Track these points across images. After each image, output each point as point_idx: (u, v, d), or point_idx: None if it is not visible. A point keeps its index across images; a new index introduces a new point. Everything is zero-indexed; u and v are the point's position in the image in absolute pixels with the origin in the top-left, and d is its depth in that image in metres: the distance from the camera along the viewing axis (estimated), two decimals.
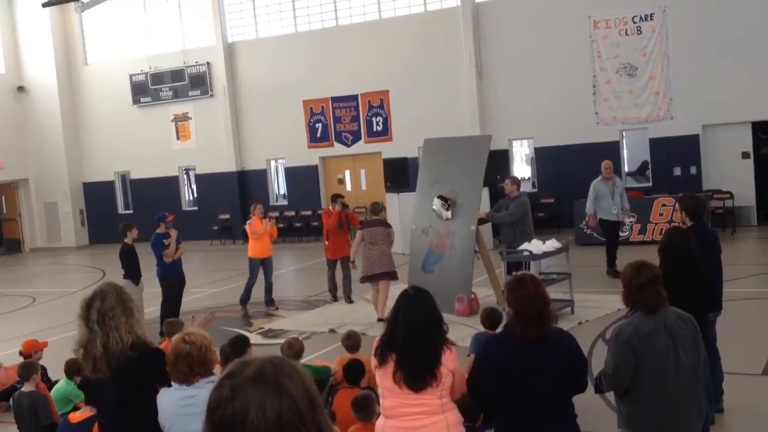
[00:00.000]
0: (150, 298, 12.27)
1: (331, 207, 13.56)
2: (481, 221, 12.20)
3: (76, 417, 6.43)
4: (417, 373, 4.52)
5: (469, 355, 6.39)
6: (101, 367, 4.51)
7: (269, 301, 13.40)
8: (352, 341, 7.52)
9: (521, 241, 11.35)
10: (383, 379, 4.63)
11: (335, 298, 13.42)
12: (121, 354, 4.48)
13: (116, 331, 4.50)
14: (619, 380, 4.71)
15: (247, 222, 13.64)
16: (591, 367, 5.04)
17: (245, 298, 13.34)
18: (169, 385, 4.46)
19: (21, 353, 8.66)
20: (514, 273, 10.40)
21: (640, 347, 4.58)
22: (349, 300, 13.16)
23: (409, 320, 4.60)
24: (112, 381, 4.53)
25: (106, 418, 4.79)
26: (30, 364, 7.62)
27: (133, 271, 11.76)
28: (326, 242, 13.49)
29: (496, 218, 12.10)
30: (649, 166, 19.74)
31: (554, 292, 10.89)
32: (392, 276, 11.71)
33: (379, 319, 11.15)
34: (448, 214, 12.02)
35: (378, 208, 12.31)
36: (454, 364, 4.65)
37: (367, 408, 5.39)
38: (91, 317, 4.52)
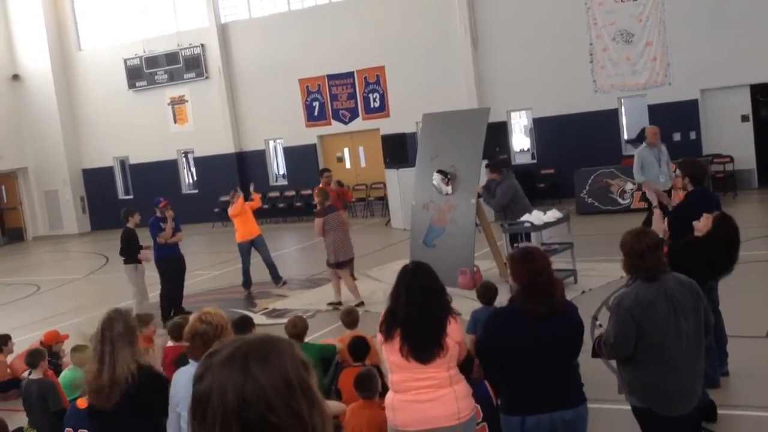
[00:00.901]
0: (152, 282, 12.30)
1: (322, 183, 13.34)
2: (479, 196, 12.16)
3: (83, 403, 6.45)
4: (423, 345, 4.54)
5: (468, 332, 6.41)
6: (110, 396, 4.50)
7: (276, 277, 13.34)
8: (351, 317, 7.53)
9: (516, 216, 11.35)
10: (390, 354, 4.64)
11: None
12: (126, 381, 4.48)
13: (122, 360, 4.50)
14: (621, 349, 4.73)
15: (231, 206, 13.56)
16: (592, 335, 5.04)
17: (246, 282, 13.33)
18: (166, 415, 4.53)
19: (41, 343, 8.71)
20: (516, 245, 10.43)
21: (641, 316, 4.59)
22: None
23: (411, 294, 4.61)
24: (120, 409, 4.52)
25: None
26: (37, 351, 7.65)
27: (133, 256, 11.81)
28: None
29: (487, 203, 11.95)
30: None
31: (557, 262, 10.90)
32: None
33: (360, 303, 11.12)
34: (449, 188, 11.99)
35: (321, 193, 11.92)
36: (459, 335, 4.67)
37: (370, 387, 5.41)
38: (105, 349, 4.52)
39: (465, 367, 5.03)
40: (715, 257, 5.66)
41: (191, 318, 4.58)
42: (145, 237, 12.27)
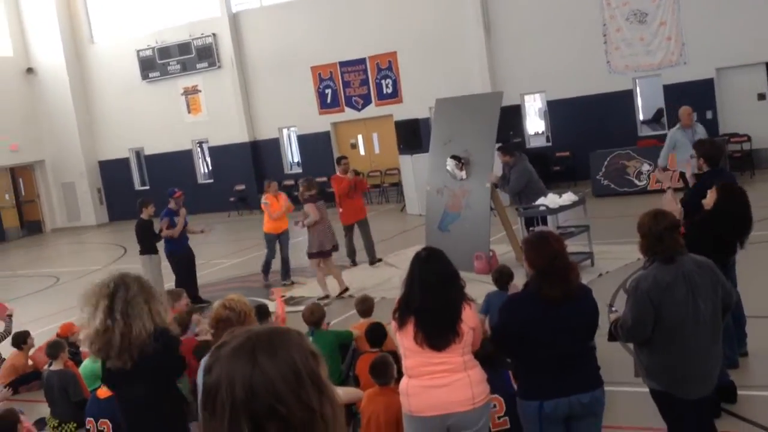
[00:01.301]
0: (168, 272, 12.37)
1: (339, 172, 13.36)
2: (495, 186, 12.09)
3: (104, 393, 6.52)
4: (438, 332, 4.54)
5: (481, 314, 6.41)
6: (122, 356, 4.42)
7: (286, 275, 13.25)
8: (365, 305, 7.53)
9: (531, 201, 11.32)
10: (404, 340, 4.65)
11: (354, 263, 13.44)
12: (144, 344, 4.40)
13: (139, 318, 4.40)
14: (639, 332, 4.71)
15: (263, 201, 13.39)
16: (608, 318, 5.03)
17: (267, 269, 13.32)
18: (181, 372, 4.49)
19: (58, 335, 8.79)
20: (531, 229, 10.40)
21: (659, 298, 4.57)
22: (374, 261, 13.14)
23: (425, 280, 4.61)
24: (137, 372, 4.46)
25: (133, 409, 4.70)
26: (57, 342, 7.73)
27: (149, 246, 11.87)
28: (339, 209, 13.38)
29: (503, 189, 11.91)
30: (664, 113, 19.52)
31: (573, 245, 10.87)
32: (336, 249, 11.84)
33: (345, 289, 11.25)
34: (463, 174, 11.97)
35: (312, 183, 11.90)
36: (474, 320, 4.67)
37: (385, 373, 5.42)
38: (116, 307, 4.41)
39: (487, 362, 5.02)
40: (725, 230, 5.54)
41: (215, 305, 4.59)
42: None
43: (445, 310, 4.56)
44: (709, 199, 6.17)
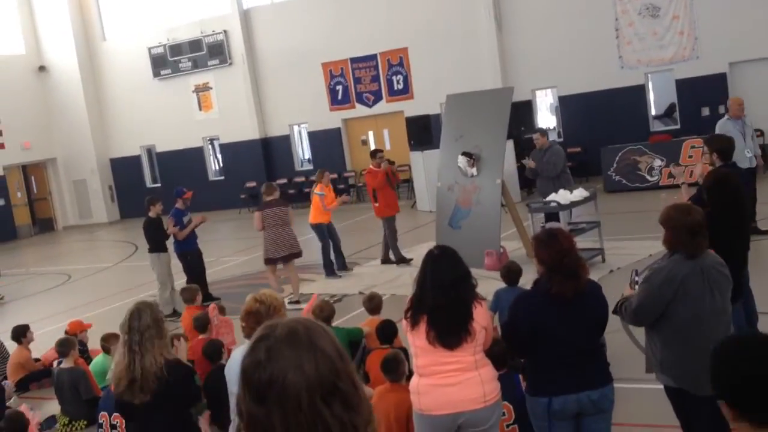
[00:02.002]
0: (177, 270, 12.35)
1: (372, 165, 12.91)
2: (532, 172, 12.17)
3: None
4: (450, 331, 4.52)
5: (490, 311, 6.38)
6: (142, 390, 4.54)
7: (342, 265, 12.86)
8: (373, 303, 7.52)
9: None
10: (416, 339, 4.62)
11: (400, 260, 12.74)
12: (156, 377, 4.52)
13: (150, 353, 4.54)
14: (640, 320, 4.74)
15: (317, 192, 12.84)
16: (629, 287, 4.99)
17: (329, 262, 12.67)
18: (199, 401, 4.55)
19: (66, 332, 8.83)
20: (543, 225, 10.36)
21: (672, 293, 4.51)
22: (402, 260, 12.67)
23: (437, 279, 4.58)
24: (155, 404, 4.56)
25: None
26: (67, 340, 7.75)
27: (159, 244, 11.86)
28: (375, 203, 12.82)
29: (544, 171, 11.95)
30: (677, 108, 19.39)
31: (584, 242, 10.83)
32: (299, 255, 11.59)
33: (296, 301, 10.94)
34: (474, 170, 11.94)
35: (272, 187, 11.68)
36: (486, 319, 4.64)
37: (396, 369, 5.41)
38: (133, 338, 4.56)
39: (498, 361, 5.01)
40: (722, 221, 5.34)
41: (247, 298, 4.65)
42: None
43: (457, 309, 4.54)
44: (684, 192, 6.11)
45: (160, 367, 4.54)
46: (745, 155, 11.16)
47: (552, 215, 11.07)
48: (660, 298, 4.54)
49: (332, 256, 12.72)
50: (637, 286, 4.89)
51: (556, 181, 11.81)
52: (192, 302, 8.70)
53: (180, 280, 12.20)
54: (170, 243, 12.10)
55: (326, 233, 12.72)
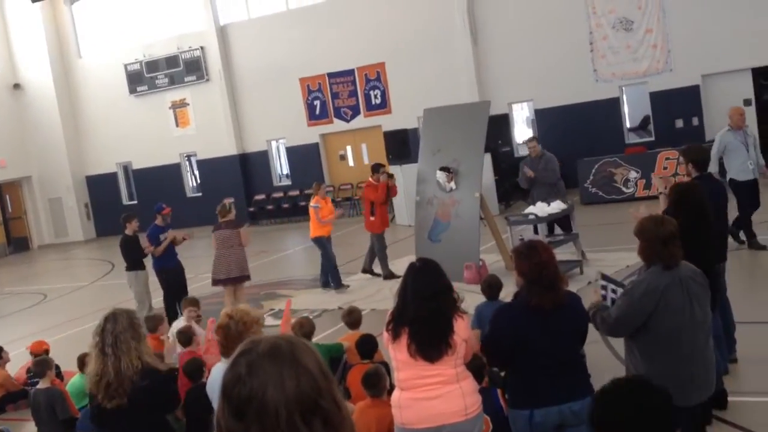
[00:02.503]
0: (155, 288, 12.22)
1: (372, 179, 12.79)
2: (528, 181, 12.12)
3: None
4: (431, 343, 4.52)
5: (472, 327, 6.38)
6: (116, 393, 4.48)
7: (327, 281, 12.74)
8: (352, 317, 7.49)
9: (558, 198, 11.56)
10: (397, 352, 4.62)
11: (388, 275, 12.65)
12: (131, 381, 4.46)
13: (127, 355, 4.48)
14: (616, 332, 4.78)
15: (313, 205, 12.68)
16: (594, 291, 5.02)
17: (336, 276, 12.52)
18: (175, 408, 4.51)
19: (31, 352, 8.72)
20: (520, 238, 10.40)
21: (653, 305, 4.54)
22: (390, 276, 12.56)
23: (418, 291, 4.58)
24: (130, 411, 4.50)
25: None
26: (44, 360, 7.65)
27: (136, 262, 11.73)
28: (371, 217, 12.68)
29: (544, 178, 11.98)
30: (651, 120, 19.60)
31: (562, 254, 10.88)
32: (246, 279, 11.52)
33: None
34: (452, 185, 11.98)
35: (225, 209, 11.62)
36: (466, 332, 4.65)
37: (377, 384, 5.39)
38: (105, 341, 4.51)
39: (476, 374, 5.01)
40: (688, 236, 5.30)
41: (221, 313, 4.64)
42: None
43: (437, 322, 4.54)
44: (662, 203, 6.18)
45: (137, 371, 4.48)
46: (747, 167, 10.90)
47: (553, 226, 11.26)
48: (641, 309, 4.57)
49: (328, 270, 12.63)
50: (603, 291, 4.92)
51: (553, 188, 11.94)
52: (154, 331, 8.06)
53: (157, 298, 12.11)
54: (149, 260, 11.98)
55: (327, 245, 12.52)
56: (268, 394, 1.66)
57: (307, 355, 1.74)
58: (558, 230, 11.80)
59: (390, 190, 12.82)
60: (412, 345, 4.53)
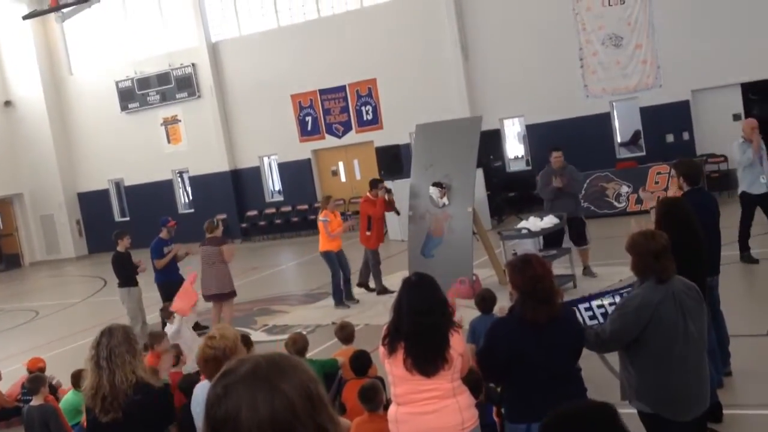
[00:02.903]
0: (150, 303, 12.21)
1: (370, 194, 12.81)
2: (552, 191, 11.79)
3: None
4: (427, 358, 4.52)
5: (468, 342, 6.39)
6: (110, 407, 4.49)
7: (348, 294, 12.60)
8: (345, 332, 7.48)
9: (580, 210, 11.60)
10: (394, 367, 4.62)
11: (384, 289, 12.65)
12: (125, 395, 4.48)
13: (121, 369, 4.50)
14: (610, 347, 4.82)
15: (321, 218, 12.60)
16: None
17: (339, 296, 12.40)
18: (170, 423, 4.50)
19: (28, 369, 8.67)
20: (514, 252, 10.42)
21: (646, 319, 4.56)
22: (383, 291, 12.57)
23: (414, 306, 4.59)
24: (126, 425, 4.51)
25: None
26: (37, 377, 7.61)
27: (128, 279, 11.73)
28: (368, 232, 12.65)
29: (572, 189, 11.86)
30: (642, 136, 19.72)
31: (555, 268, 10.89)
32: (228, 296, 11.53)
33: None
34: (445, 200, 12.01)
35: (212, 225, 11.71)
36: (462, 346, 4.66)
37: (374, 398, 5.39)
38: (100, 354, 4.54)
39: (473, 389, 5.01)
40: (677, 251, 5.32)
41: (200, 347, 4.61)
42: (143, 257, 12.22)
43: (433, 336, 4.54)
44: (653, 217, 6.24)
45: (131, 385, 4.50)
46: (760, 181, 10.88)
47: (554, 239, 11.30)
48: (635, 323, 4.58)
49: (342, 285, 12.47)
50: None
51: (577, 198, 12.12)
52: (154, 348, 7.78)
53: (152, 314, 12.09)
54: (150, 273, 12.02)
55: (336, 260, 12.39)
56: (242, 416, 1.65)
57: (288, 378, 1.70)
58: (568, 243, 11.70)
59: (389, 205, 12.86)
60: (408, 360, 4.53)
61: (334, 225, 12.48)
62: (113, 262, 11.89)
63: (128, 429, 4.51)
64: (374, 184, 12.98)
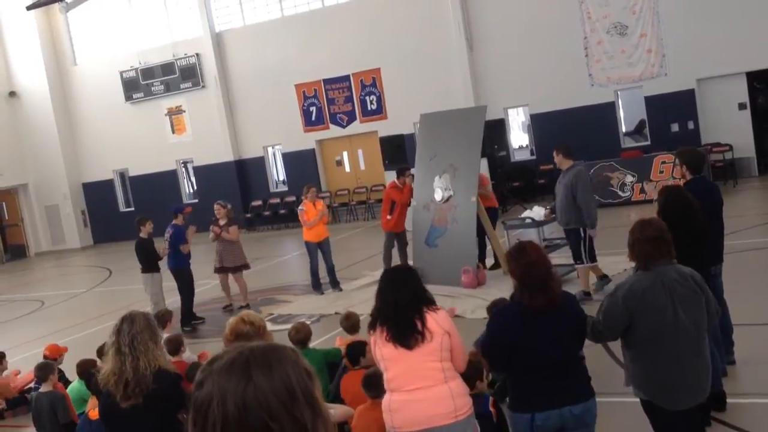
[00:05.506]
0: (168, 289, 12.32)
1: (398, 181, 12.94)
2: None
3: (95, 414, 6.46)
4: (406, 326, 4.58)
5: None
6: (133, 393, 4.51)
7: (334, 282, 12.82)
8: (350, 322, 7.51)
9: (595, 213, 10.12)
10: (382, 348, 4.67)
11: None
12: (147, 380, 4.50)
13: (145, 355, 4.53)
14: (607, 336, 4.88)
15: (299, 207, 12.90)
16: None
17: (316, 283, 12.82)
18: (181, 410, 4.56)
19: (45, 357, 8.71)
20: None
21: (634, 306, 4.59)
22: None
23: (393, 291, 4.72)
24: (144, 410, 4.53)
25: None
26: (46, 364, 7.67)
27: (151, 264, 11.81)
28: (388, 216, 12.75)
29: (586, 212, 9.99)
30: (647, 125, 19.67)
31: (558, 258, 10.92)
32: (243, 268, 13.00)
33: (241, 306, 12.33)
34: (450, 192, 12.04)
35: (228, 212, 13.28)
36: (447, 324, 4.67)
37: (377, 385, 5.41)
38: (122, 341, 4.54)
39: (472, 379, 5.04)
40: (678, 239, 5.29)
41: (232, 320, 4.64)
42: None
43: (407, 309, 4.61)
44: (655, 203, 6.26)
45: (154, 371, 4.52)
46: None
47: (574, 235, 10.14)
48: (624, 310, 4.62)
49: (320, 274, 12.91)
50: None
51: (576, 207, 11.70)
52: (176, 354, 7.66)
53: (169, 300, 12.17)
54: (164, 261, 12.14)
55: (313, 250, 12.72)
56: (211, 408, 1.62)
57: (268, 370, 1.63)
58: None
59: (411, 194, 13.01)
60: (389, 333, 4.61)
61: (310, 215, 12.62)
62: (137, 248, 11.95)
63: (146, 415, 4.54)
64: (401, 172, 13.16)
